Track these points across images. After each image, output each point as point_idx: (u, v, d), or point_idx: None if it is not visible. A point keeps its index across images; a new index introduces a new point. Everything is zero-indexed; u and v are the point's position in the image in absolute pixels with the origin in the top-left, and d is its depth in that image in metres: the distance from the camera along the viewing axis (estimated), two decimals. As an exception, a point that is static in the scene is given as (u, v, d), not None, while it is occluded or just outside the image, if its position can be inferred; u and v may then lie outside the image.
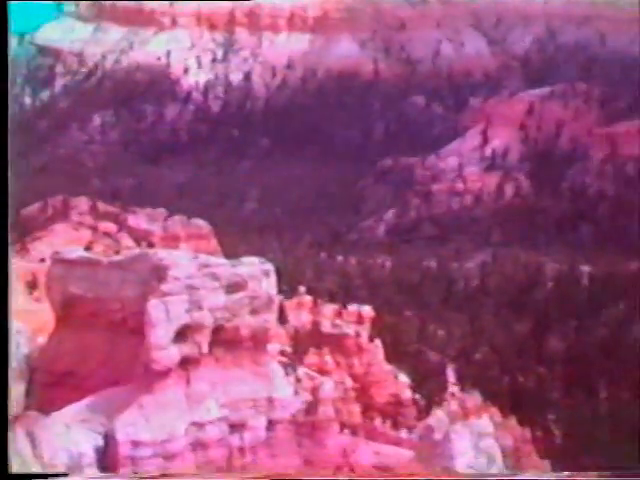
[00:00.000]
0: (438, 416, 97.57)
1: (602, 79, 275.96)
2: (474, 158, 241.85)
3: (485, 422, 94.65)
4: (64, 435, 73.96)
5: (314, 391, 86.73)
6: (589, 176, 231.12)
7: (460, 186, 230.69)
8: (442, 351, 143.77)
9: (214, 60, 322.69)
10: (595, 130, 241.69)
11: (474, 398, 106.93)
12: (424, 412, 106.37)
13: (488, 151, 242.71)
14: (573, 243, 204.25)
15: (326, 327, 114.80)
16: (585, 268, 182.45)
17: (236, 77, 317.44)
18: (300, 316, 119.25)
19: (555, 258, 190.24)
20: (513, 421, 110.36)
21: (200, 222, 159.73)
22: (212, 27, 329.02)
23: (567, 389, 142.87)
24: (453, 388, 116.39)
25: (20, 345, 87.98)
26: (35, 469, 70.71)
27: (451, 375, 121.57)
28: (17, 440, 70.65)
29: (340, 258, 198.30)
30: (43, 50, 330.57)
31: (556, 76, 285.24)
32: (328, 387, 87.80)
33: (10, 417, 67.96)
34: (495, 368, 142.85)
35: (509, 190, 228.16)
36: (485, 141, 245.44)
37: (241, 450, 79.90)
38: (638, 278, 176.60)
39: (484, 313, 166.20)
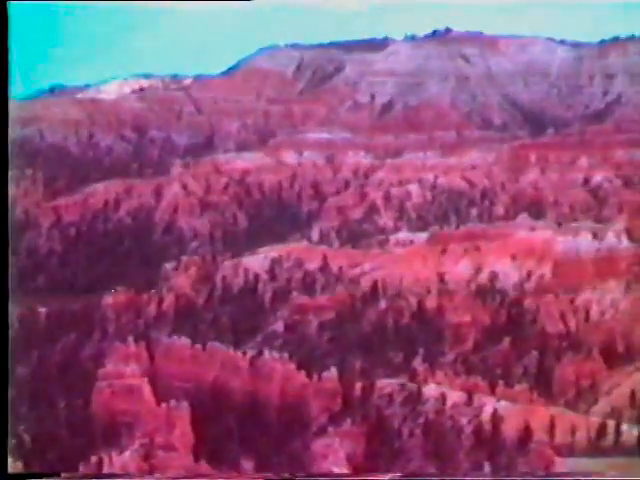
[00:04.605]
0: None
1: (44, 166, 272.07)
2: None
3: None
4: None
5: None
6: (40, 239, 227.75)
7: None
8: None
9: None
10: (42, 204, 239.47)
11: None
12: None
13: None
14: (34, 290, 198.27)
15: None
16: (42, 309, 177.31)
17: None
18: None
19: (18, 304, 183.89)
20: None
21: None
22: None
23: (32, 405, 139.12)
24: None
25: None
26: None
27: None
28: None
29: None
30: None
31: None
32: None
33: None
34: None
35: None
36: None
37: None
38: (83, 314, 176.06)
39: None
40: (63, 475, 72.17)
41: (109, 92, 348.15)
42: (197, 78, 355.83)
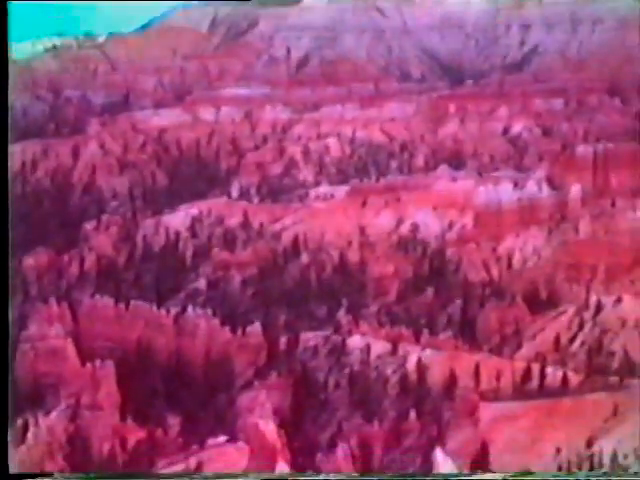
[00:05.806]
0: None
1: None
2: None
3: None
4: None
5: None
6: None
7: None
8: None
9: None
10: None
11: None
12: None
13: None
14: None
15: None
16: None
17: None
18: None
19: None
20: None
21: None
22: None
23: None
24: None
25: None
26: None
27: None
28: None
29: None
30: None
31: None
32: None
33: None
34: None
35: None
36: None
37: None
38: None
39: None
40: (55, 474, 70.86)
41: (22, 52, 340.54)
42: (111, 36, 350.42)
